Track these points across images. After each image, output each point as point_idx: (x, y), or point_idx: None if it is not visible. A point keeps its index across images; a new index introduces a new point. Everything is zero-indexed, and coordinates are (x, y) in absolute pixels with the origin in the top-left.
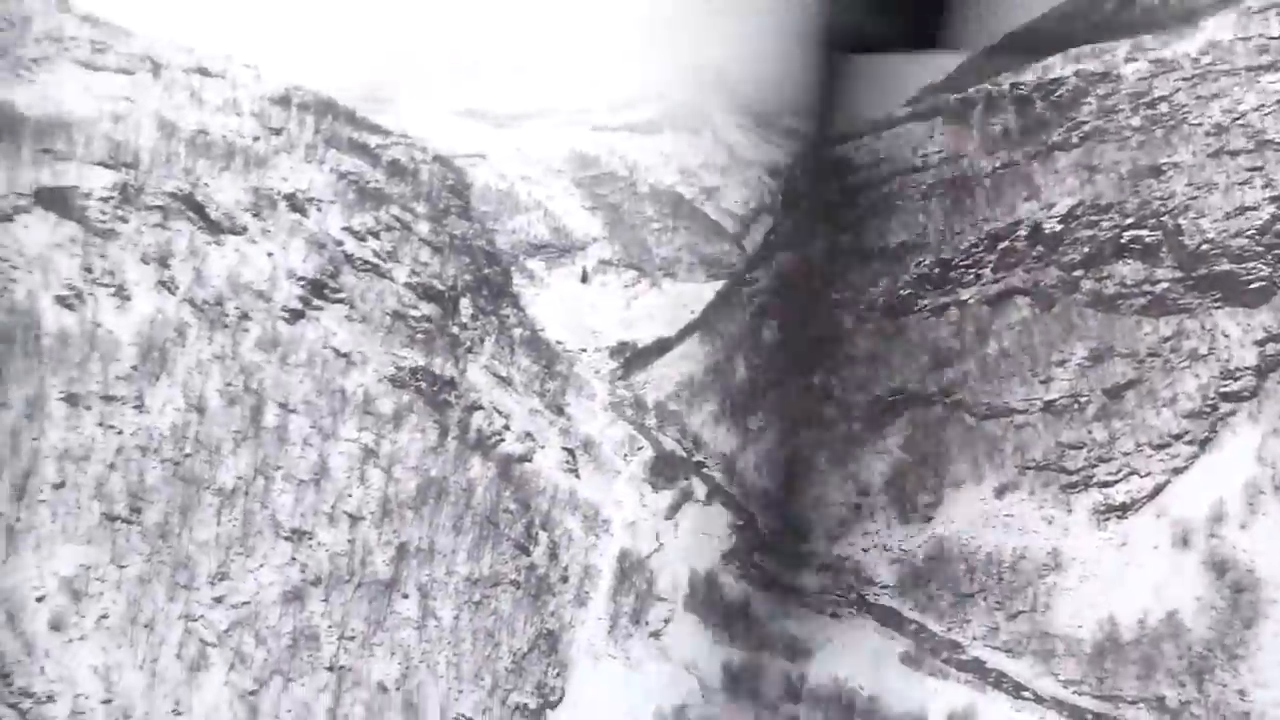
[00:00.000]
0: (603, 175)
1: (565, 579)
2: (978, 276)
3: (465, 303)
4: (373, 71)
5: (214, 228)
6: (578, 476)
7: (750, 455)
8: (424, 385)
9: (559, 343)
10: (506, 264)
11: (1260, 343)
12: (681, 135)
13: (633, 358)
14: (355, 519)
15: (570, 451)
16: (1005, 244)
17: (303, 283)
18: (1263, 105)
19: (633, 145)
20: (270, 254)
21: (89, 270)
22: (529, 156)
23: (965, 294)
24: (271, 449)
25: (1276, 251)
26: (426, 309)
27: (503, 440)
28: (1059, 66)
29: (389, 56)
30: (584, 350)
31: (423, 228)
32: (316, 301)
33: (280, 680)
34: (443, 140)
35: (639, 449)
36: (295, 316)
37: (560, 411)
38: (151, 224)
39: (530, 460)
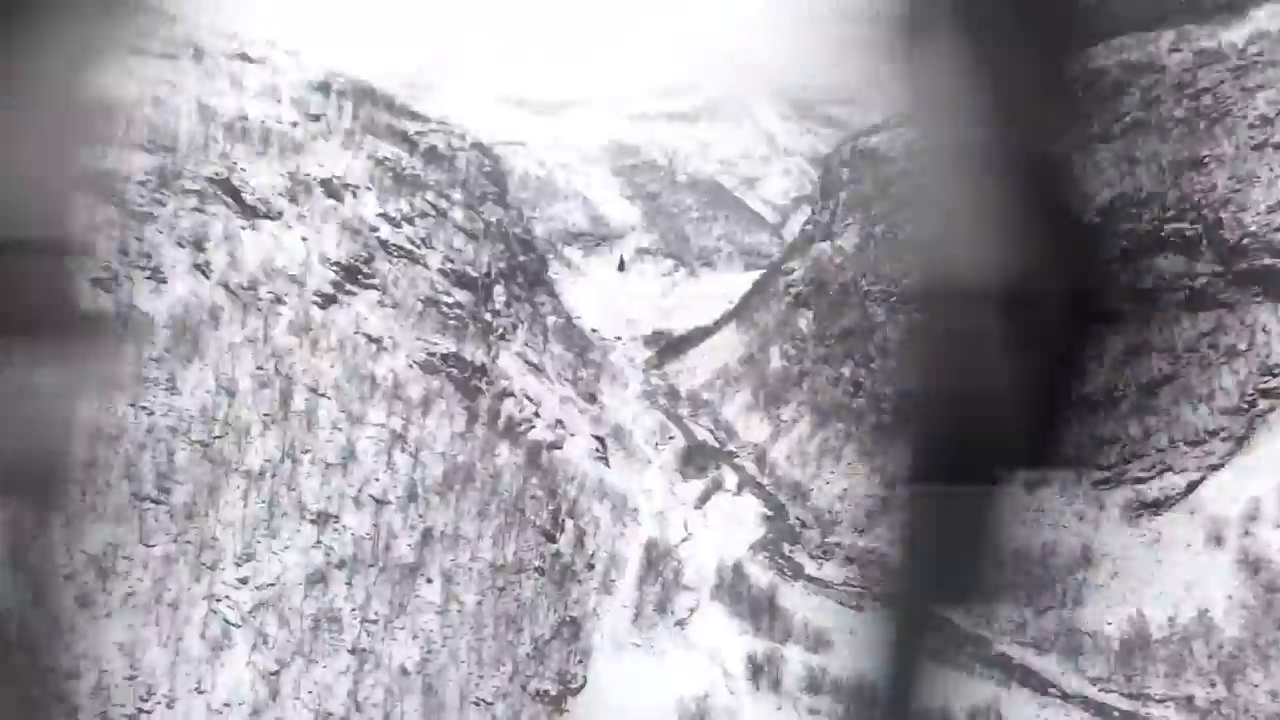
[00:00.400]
0: (642, 164)
1: (591, 567)
2: None
3: (499, 290)
4: (418, 58)
5: (249, 212)
6: (607, 465)
7: (782, 446)
8: (455, 372)
9: (594, 331)
10: (542, 252)
11: None
12: (722, 124)
13: (667, 347)
14: (381, 503)
15: (600, 440)
16: None
17: (336, 268)
18: None
19: (672, 134)
20: (305, 239)
21: (125, 253)
22: (569, 144)
23: None
24: (299, 432)
25: None
26: (459, 295)
27: (533, 427)
28: (1102, 57)
29: (434, 43)
30: (619, 339)
31: (458, 214)
32: (349, 286)
33: (302, 661)
34: (483, 127)
35: (670, 438)
36: (328, 301)
37: (593, 399)
38: (189, 208)
39: (560, 448)
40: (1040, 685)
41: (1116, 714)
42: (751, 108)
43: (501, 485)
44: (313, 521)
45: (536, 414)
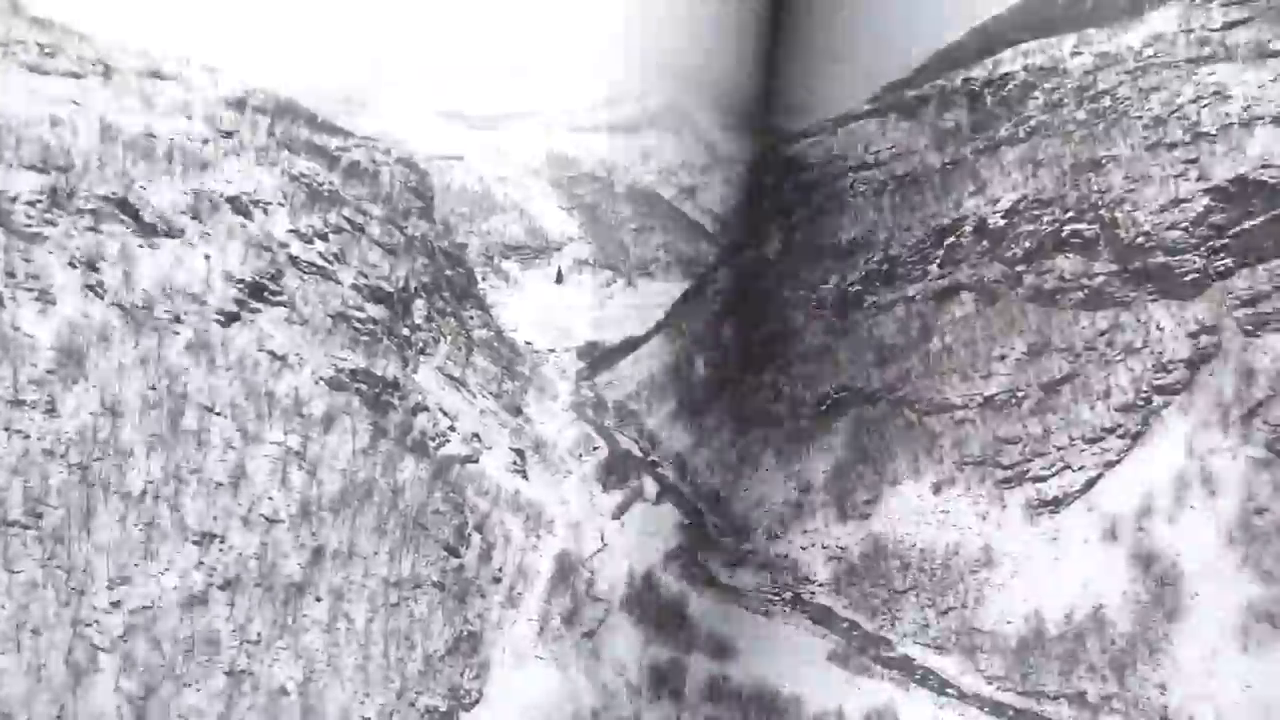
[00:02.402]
0: (581, 175)
1: (498, 580)
2: (925, 272)
3: (420, 304)
4: (356, 73)
5: (148, 230)
6: (525, 478)
7: (704, 454)
8: (364, 387)
9: (528, 343)
10: (471, 265)
11: (1193, 335)
12: (662, 135)
13: (600, 358)
14: (272, 522)
15: (519, 452)
16: (951, 240)
17: (240, 285)
18: (1200, 97)
19: (612, 145)
20: (207, 256)
21: (11, 274)
22: (507, 157)
23: (912, 290)
24: (189, 452)
25: (1210, 243)
26: (373, 311)
27: (447, 442)
28: (1009, 61)
29: (372, 58)
30: (552, 351)
31: (375, 230)
32: (254, 304)
33: (173, 685)
34: (421, 141)
35: (595, 449)
36: (230, 319)
37: (518, 412)
38: (82, 227)
39: (475, 461)
40: (939, 685)
41: (1011, 712)
42: (692, 117)
43: (404, 501)
44: (196, 542)
45: (452, 428)
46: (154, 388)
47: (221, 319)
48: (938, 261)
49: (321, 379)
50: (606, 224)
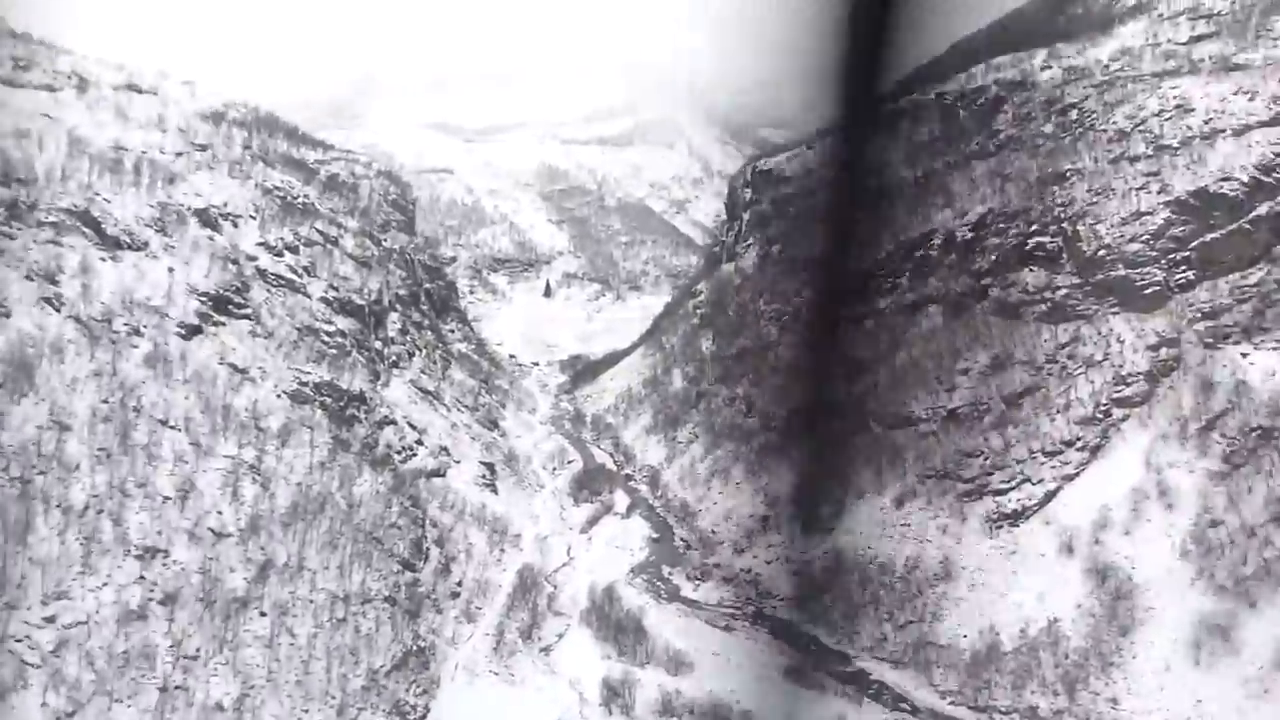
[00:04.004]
0: (571, 189)
1: (455, 595)
2: (894, 286)
3: (394, 317)
4: (346, 87)
5: (111, 243)
6: (494, 491)
7: (676, 468)
8: (328, 400)
9: (512, 357)
10: (453, 278)
11: (1153, 348)
12: (654, 148)
13: (583, 371)
14: (220, 536)
15: (489, 466)
16: (921, 253)
17: (203, 298)
18: (1163, 111)
19: (603, 159)
20: (171, 269)
21: None
22: (498, 170)
23: (882, 303)
24: (137, 466)
25: (1170, 256)
26: (343, 324)
27: (413, 455)
28: (981, 76)
29: (363, 70)
30: (536, 364)
31: (349, 243)
32: (218, 317)
33: (104, 701)
34: (411, 155)
35: (570, 462)
36: (192, 332)
37: (494, 426)
38: (42, 240)
39: (442, 475)
40: (892, 700)
41: None
42: (685, 131)
43: (359, 515)
44: (138, 557)
45: (419, 442)
46: (106, 401)
47: (183, 332)
48: (907, 275)
49: (284, 392)
50: (596, 237)
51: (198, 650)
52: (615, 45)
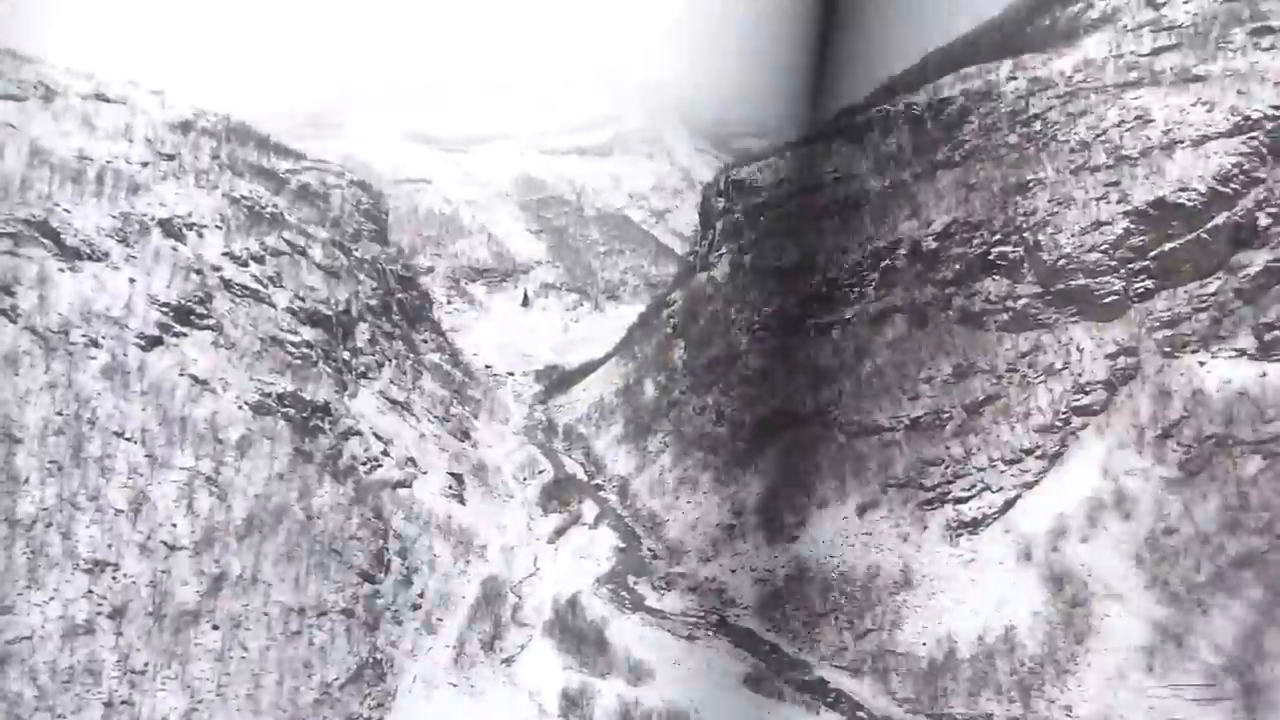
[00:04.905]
0: (549, 199)
1: (417, 607)
2: (861, 295)
3: (363, 328)
4: (324, 97)
5: (70, 254)
6: (461, 502)
7: (645, 477)
8: (291, 411)
9: (488, 367)
10: (427, 288)
11: (1112, 356)
12: (633, 159)
13: (557, 381)
14: (173, 548)
15: (457, 477)
16: (887, 262)
17: (165, 309)
18: (1123, 121)
19: (582, 169)
20: (132, 280)
21: None
22: (477, 180)
23: (849, 312)
24: (90, 478)
25: (1129, 266)
26: (309, 334)
27: (379, 466)
28: (949, 87)
29: (342, 82)
30: (511, 374)
31: (318, 253)
32: (179, 328)
33: (46, 717)
34: (389, 165)
35: (540, 472)
36: (152, 343)
37: (465, 436)
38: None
39: (408, 486)
40: (850, 708)
41: None
42: (665, 141)
43: (319, 526)
44: (86, 570)
45: (385, 453)
46: (61, 413)
47: (142, 343)
48: (874, 284)
49: (245, 403)
50: (575, 247)
51: (145, 665)
52: (596, 57)
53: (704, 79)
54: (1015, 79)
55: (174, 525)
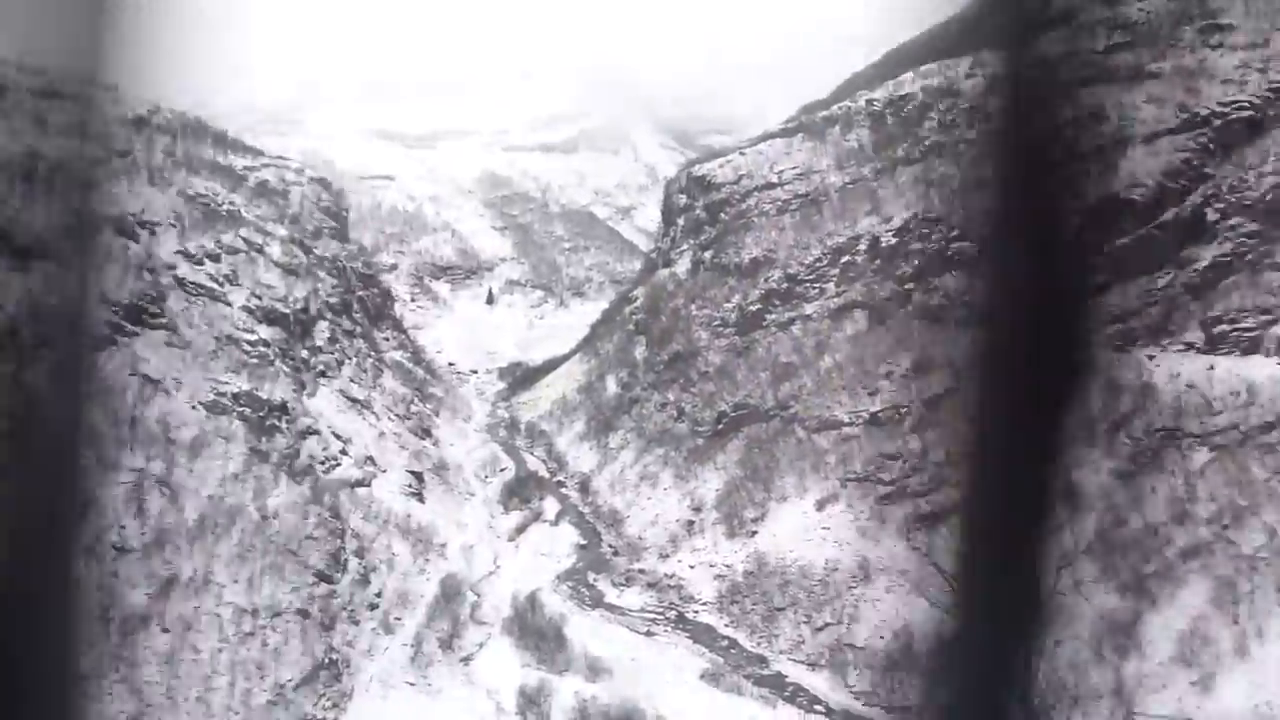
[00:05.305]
0: (514, 195)
1: (374, 606)
2: (821, 290)
3: (323, 326)
4: (286, 93)
5: (19, 254)
6: (421, 501)
7: (607, 474)
8: (247, 411)
9: (451, 365)
10: (388, 286)
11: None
12: (599, 155)
13: (521, 378)
14: (122, 551)
15: (417, 475)
16: (847, 258)
17: (115, 308)
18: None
19: (547, 165)
20: (82, 279)
21: None
22: (440, 177)
23: (809, 308)
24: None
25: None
26: (266, 333)
27: (337, 465)
28: (909, 83)
29: (305, 78)
30: (475, 372)
31: (276, 250)
32: (131, 327)
33: None
34: (351, 161)
35: (502, 470)
36: (103, 343)
37: (426, 434)
38: None
39: (367, 485)
40: (807, 702)
41: None
42: (631, 138)
43: (274, 526)
44: None
45: (344, 452)
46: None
47: (93, 344)
48: (834, 280)
49: (199, 403)
50: (540, 244)
51: (91, 670)
52: (562, 52)
53: (671, 76)
54: (974, 75)
55: (122, 528)
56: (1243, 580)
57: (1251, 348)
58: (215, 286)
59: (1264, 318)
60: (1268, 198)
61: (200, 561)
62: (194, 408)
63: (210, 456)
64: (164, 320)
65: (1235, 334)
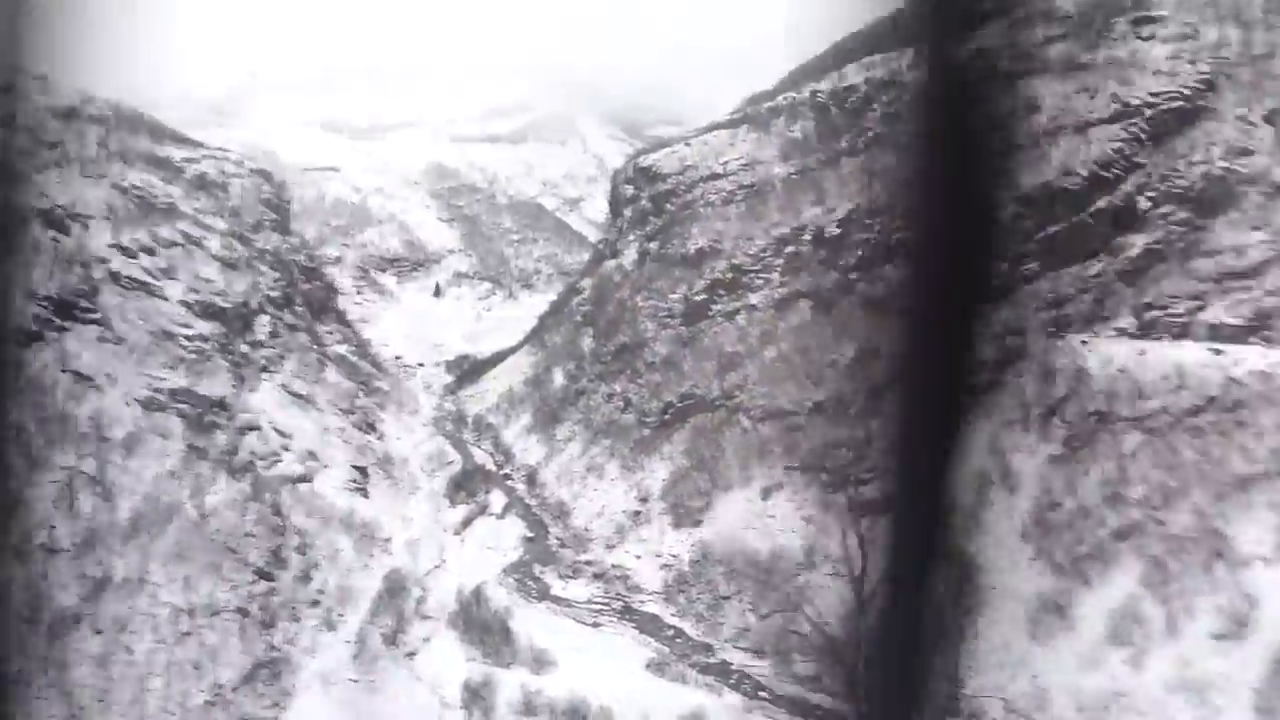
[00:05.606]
0: (461, 187)
1: (316, 603)
2: (766, 281)
3: (264, 320)
4: (228, 83)
5: None
6: (365, 495)
7: (554, 466)
8: (185, 407)
9: (398, 358)
10: (332, 279)
11: (999, 337)
12: (547, 146)
13: (468, 371)
14: (52, 551)
15: (361, 470)
16: (791, 248)
17: (44, 303)
18: (1014, 109)
19: (495, 156)
20: (10, 274)
21: None
22: (386, 168)
23: (754, 298)
24: None
25: (1018, 249)
26: (204, 328)
27: (279, 461)
28: (853, 74)
29: (247, 68)
30: (422, 365)
31: (215, 244)
32: (61, 322)
33: None
34: (295, 153)
35: (448, 463)
36: (31, 339)
37: (371, 429)
38: None
39: (310, 480)
40: (752, 689)
41: (820, 713)
42: (580, 129)
43: (212, 524)
44: None
45: (286, 448)
46: None
47: (21, 339)
48: (779, 270)
49: (134, 400)
50: (487, 236)
51: (19, 673)
52: (510, 43)
53: (620, 66)
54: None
55: (52, 528)
56: (1172, 560)
57: (1182, 333)
58: (151, 281)
59: (1193, 304)
60: (1197, 186)
61: (135, 561)
62: (128, 404)
63: (145, 454)
64: (97, 315)
65: (1166, 320)
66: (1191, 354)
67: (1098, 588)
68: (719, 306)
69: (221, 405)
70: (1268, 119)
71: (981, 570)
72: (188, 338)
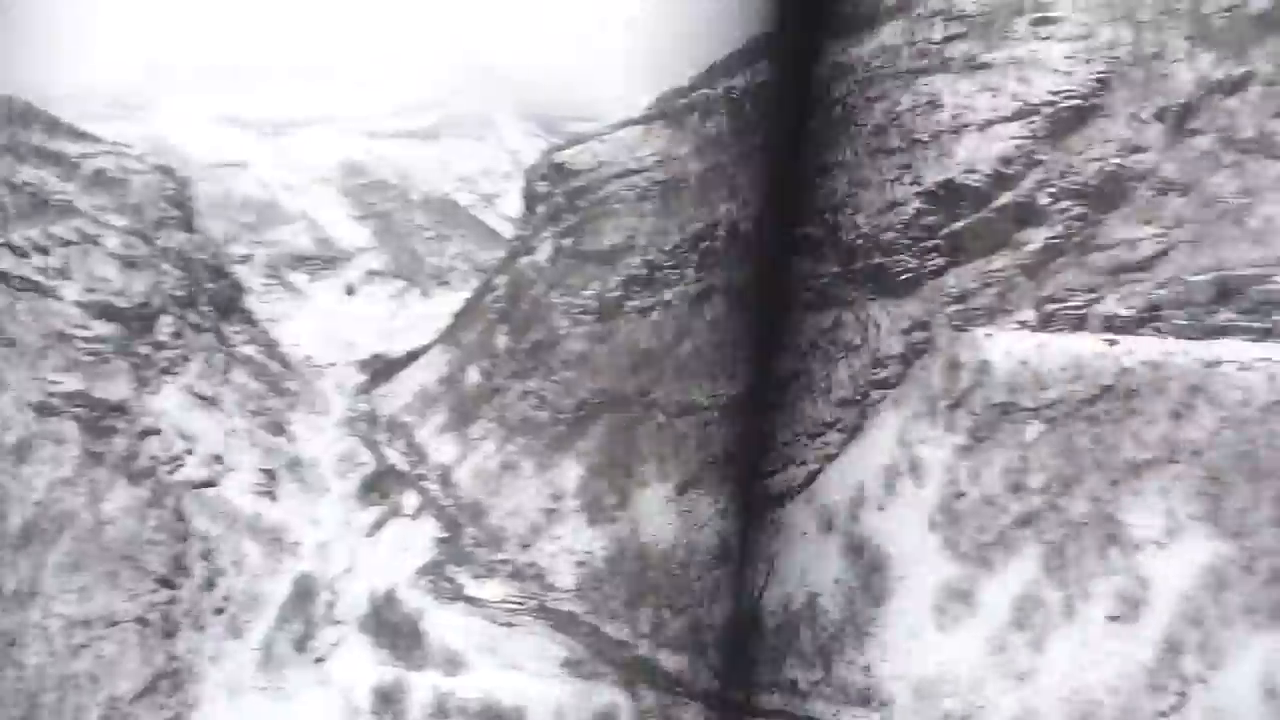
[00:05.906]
0: (373, 184)
1: (220, 611)
2: (681, 276)
3: (167, 320)
4: (128, 76)
5: None
6: (272, 499)
7: (468, 465)
8: (82, 412)
9: (308, 358)
10: (239, 278)
11: (906, 331)
12: (462, 142)
13: (380, 370)
14: None
15: (269, 473)
16: (706, 244)
17: None
18: (916, 106)
19: (408, 153)
20: None
21: None
22: (296, 164)
23: (669, 294)
24: None
25: (922, 244)
26: (102, 329)
27: (181, 466)
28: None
29: (148, 60)
30: (333, 364)
31: (113, 242)
32: None
33: None
34: (200, 148)
35: (360, 464)
36: None
37: (280, 430)
38: None
39: (214, 485)
40: (667, 685)
41: (735, 704)
42: (496, 124)
43: (110, 533)
44: None
45: (189, 451)
46: None
47: None
48: (694, 266)
49: (26, 404)
50: (401, 233)
51: None
52: (426, 37)
53: (537, 62)
54: (820, 65)
55: None
56: (1070, 545)
57: (1079, 324)
58: (44, 281)
59: (1090, 296)
60: (1093, 182)
61: (26, 572)
62: (20, 409)
63: (38, 460)
64: None
65: (1065, 312)
66: (1088, 345)
67: (1001, 573)
68: (634, 303)
69: (120, 409)
70: (1158, 116)
71: (890, 560)
72: (84, 339)
